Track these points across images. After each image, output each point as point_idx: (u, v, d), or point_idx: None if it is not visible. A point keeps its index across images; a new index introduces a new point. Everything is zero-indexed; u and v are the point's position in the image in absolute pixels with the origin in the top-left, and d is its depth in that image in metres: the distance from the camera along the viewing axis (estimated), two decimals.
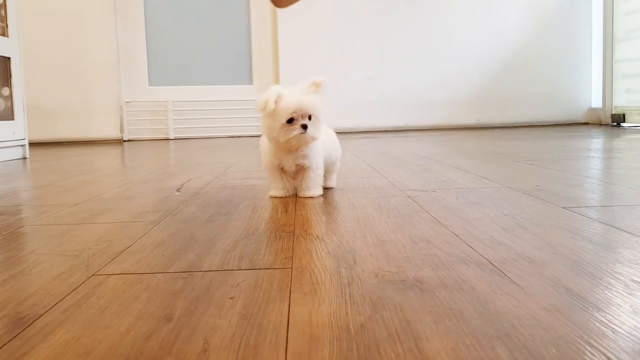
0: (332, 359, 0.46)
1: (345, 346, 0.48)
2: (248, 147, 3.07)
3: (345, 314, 0.56)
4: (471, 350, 0.47)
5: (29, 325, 0.56)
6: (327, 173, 1.39)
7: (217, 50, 4.37)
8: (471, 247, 0.80)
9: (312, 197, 1.29)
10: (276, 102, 1.19)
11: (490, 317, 0.54)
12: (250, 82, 4.40)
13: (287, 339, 0.50)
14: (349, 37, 4.37)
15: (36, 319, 0.57)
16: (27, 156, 2.89)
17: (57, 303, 0.62)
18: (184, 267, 0.75)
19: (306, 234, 0.93)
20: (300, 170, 1.30)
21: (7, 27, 2.82)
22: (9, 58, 2.80)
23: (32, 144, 3.15)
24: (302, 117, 1.20)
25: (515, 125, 4.49)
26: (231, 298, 0.62)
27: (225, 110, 4.31)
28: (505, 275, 0.67)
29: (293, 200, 1.28)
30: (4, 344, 0.52)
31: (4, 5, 2.78)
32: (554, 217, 0.99)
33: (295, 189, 1.34)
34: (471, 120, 4.51)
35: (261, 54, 4.39)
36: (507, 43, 4.49)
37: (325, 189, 1.38)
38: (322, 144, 1.31)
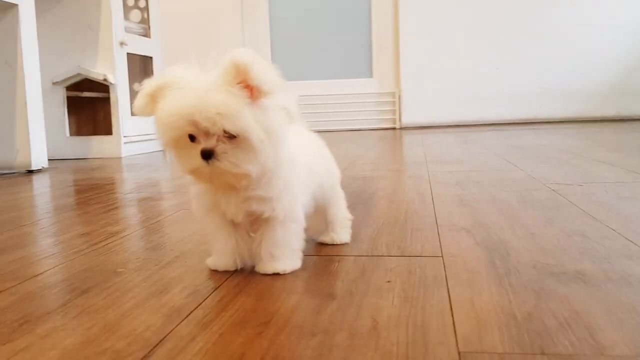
0: (503, 343, 0.46)
1: (515, 332, 0.48)
2: (369, 141, 3.10)
3: (508, 302, 0.56)
4: None
5: (208, 296, 0.62)
6: (325, 214, 0.82)
7: (337, 44, 4.43)
8: (632, 241, 0.76)
9: (278, 274, 0.69)
10: (153, 100, 0.65)
11: None
12: (370, 75, 4.42)
13: (453, 322, 0.51)
14: (475, 26, 4.24)
15: (212, 291, 0.63)
16: None
17: (227, 279, 0.68)
18: (334, 251, 0.79)
19: (450, 224, 0.93)
20: (258, 221, 0.71)
21: (149, 29, 3.06)
22: (151, 57, 3.04)
23: None
24: (206, 134, 0.62)
25: None
26: (388, 282, 0.64)
27: (345, 104, 4.37)
28: None
29: (428, 190, 1.27)
30: (192, 311, 0.57)
31: (147, 9, 3.03)
32: None
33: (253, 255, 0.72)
34: (609, 112, 4.19)
35: (381, 46, 4.38)
36: None
37: (331, 245, 0.82)
38: (311, 170, 0.75)
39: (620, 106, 4.19)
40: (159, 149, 3.04)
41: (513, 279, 0.63)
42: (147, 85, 0.65)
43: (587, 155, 1.85)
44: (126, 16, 2.84)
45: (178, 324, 0.54)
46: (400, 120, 4.28)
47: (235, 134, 0.61)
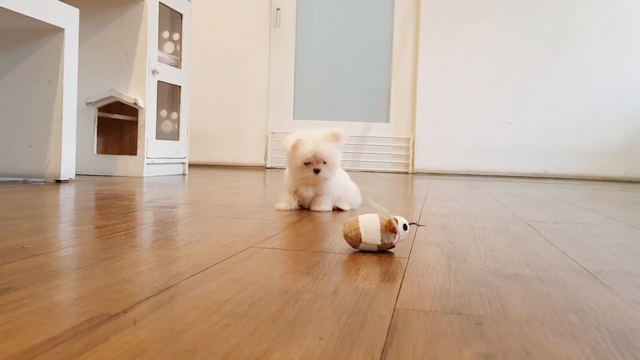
0: (431, 306, 0.59)
1: (444, 301, 0.61)
2: (379, 181, 3.23)
3: (448, 286, 0.68)
4: (547, 315, 0.57)
5: (207, 268, 0.75)
6: (338, 201, 1.56)
7: (357, 88, 4.63)
8: (575, 261, 0.88)
9: (322, 211, 1.48)
10: (295, 147, 1.42)
11: (572, 300, 0.63)
12: (387, 120, 4.60)
13: (398, 293, 0.64)
14: (490, 82, 4.41)
15: (212, 265, 0.77)
16: (186, 173, 3.30)
17: (227, 258, 0.81)
18: (320, 249, 0.92)
19: (426, 240, 1.06)
20: (317, 194, 1.51)
21: (181, 60, 3.28)
22: (179, 87, 3.25)
23: (189, 165, 3.57)
24: (317, 162, 1.42)
25: None
26: (357, 269, 0.77)
27: (361, 145, 4.53)
28: (597, 278, 0.75)
29: (417, 217, 1.40)
30: (193, 275, 0.71)
31: (180, 42, 3.26)
32: None
33: (301, 205, 1.54)
34: (617, 173, 4.29)
35: (399, 94, 4.58)
36: None
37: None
38: (343, 188, 1.56)
39: (628, 168, 4.29)
40: (178, 173, 3.21)
41: (460, 274, 0.76)
42: (291, 140, 1.42)
43: (577, 204, 1.97)
44: (160, 47, 3.05)
45: (180, 281, 0.67)
46: (413, 165, 4.42)
47: (327, 162, 1.43)
